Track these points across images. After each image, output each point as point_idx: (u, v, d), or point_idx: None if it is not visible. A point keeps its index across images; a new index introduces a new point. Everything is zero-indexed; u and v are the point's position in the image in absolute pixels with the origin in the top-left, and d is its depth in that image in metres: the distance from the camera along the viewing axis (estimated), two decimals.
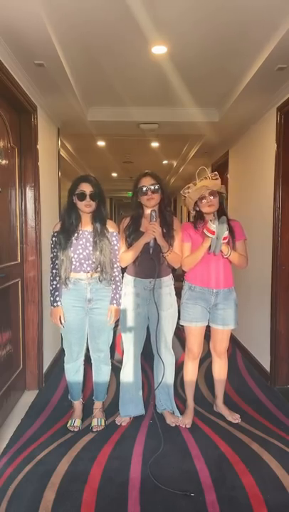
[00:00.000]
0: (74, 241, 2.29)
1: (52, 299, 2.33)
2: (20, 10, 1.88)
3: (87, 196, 2.25)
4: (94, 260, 2.29)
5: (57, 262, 2.29)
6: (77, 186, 2.28)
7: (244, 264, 2.41)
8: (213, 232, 2.18)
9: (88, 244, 2.30)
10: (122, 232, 2.41)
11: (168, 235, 2.34)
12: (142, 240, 2.30)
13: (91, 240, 2.30)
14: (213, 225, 2.18)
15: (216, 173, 2.35)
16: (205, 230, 2.23)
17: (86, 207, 2.27)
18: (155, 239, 2.27)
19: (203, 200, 2.29)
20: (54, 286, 2.32)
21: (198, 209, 2.36)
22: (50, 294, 2.35)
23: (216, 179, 2.31)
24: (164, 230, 2.34)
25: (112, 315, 2.37)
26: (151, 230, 2.24)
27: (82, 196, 2.25)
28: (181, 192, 2.38)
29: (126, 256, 2.37)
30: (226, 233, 2.18)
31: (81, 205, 2.27)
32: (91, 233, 2.32)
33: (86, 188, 2.26)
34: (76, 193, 2.27)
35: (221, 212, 2.37)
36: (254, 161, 3.67)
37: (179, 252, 2.41)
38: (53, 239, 2.33)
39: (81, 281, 2.32)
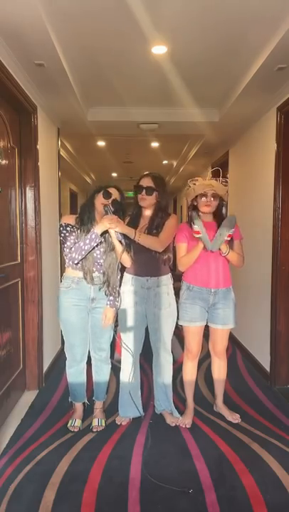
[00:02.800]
0: None
1: (89, 237, 2.19)
2: (21, 10, 1.88)
3: (111, 198, 2.25)
4: (101, 263, 2.30)
5: (72, 247, 2.23)
6: (106, 188, 2.29)
7: (241, 263, 2.42)
8: (198, 232, 2.22)
9: (98, 246, 2.30)
10: None
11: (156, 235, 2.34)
12: (98, 229, 2.18)
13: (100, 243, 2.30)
14: (195, 226, 2.21)
15: (227, 179, 2.39)
16: (193, 233, 2.25)
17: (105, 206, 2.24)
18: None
19: (203, 198, 2.30)
20: (85, 246, 2.19)
21: (195, 203, 2.37)
22: (87, 241, 2.18)
23: (225, 185, 2.35)
24: (154, 231, 2.34)
25: (107, 316, 2.35)
26: (107, 222, 2.17)
27: (108, 195, 2.25)
28: (188, 181, 2.40)
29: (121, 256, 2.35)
30: (232, 231, 2.21)
31: (101, 202, 2.25)
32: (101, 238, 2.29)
33: (114, 192, 2.28)
34: (103, 191, 2.26)
35: (219, 217, 2.40)
36: (254, 161, 3.67)
37: (165, 240, 2.34)
38: (68, 228, 2.26)
39: (84, 280, 2.31)
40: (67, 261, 2.31)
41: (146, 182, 2.37)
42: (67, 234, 2.27)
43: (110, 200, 2.26)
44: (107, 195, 2.25)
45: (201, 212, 2.36)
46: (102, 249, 2.31)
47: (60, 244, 2.31)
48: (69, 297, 2.33)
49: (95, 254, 2.29)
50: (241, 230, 2.47)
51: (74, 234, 2.26)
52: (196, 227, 2.22)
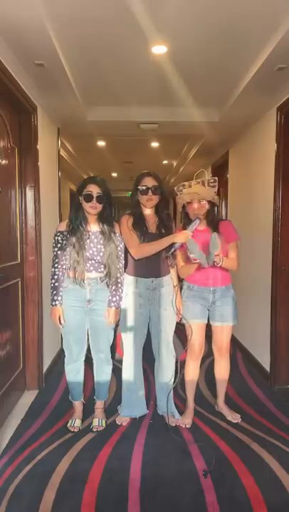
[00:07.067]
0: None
1: (51, 298, 2.34)
2: (21, 10, 1.88)
3: (94, 198, 2.26)
4: (99, 260, 2.29)
5: (56, 260, 2.30)
6: (85, 187, 2.29)
7: (235, 267, 2.40)
8: (195, 259, 2.18)
9: (92, 244, 2.30)
10: (130, 229, 2.36)
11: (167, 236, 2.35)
12: (170, 238, 2.26)
13: (95, 240, 2.30)
14: (191, 255, 2.17)
15: (216, 178, 2.34)
16: (192, 260, 2.22)
17: (91, 208, 2.27)
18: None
19: (194, 205, 2.30)
20: (52, 285, 2.32)
21: (186, 211, 2.37)
22: (50, 293, 2.35)
23: (213, 186, 2.31)
24: (163, 231, 2.36)
25: (110, 317, 2.35)
26: (186, 236, 2.22)
27: (88, 197, 2.26)
28: (175, 188, 2.39)
29: (148, 248, 2.31)
30: (217, 251, 2.15)
31: (86, 206, 2.28)
32: (96, 233, 2.32)
33: (93, 189, 2.27)
34: (83, 194, 2.28)
35: (211, 219, 2.39)
36: (254, 161, 3.67)
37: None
38: (56, 238, 2.31)
39: (81, 282, 2.31)
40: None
41: (151, 182, 2.36)
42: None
43: (199, 216, 2.29)
44: (88, 198, 2.26)
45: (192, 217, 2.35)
46: (98, 246, 2.30)
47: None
48: (67, 298, 2.34)
49: (90, 252, 2.29)
50: (241, 230, 2.46)
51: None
52: (192, 256, 2.18)
